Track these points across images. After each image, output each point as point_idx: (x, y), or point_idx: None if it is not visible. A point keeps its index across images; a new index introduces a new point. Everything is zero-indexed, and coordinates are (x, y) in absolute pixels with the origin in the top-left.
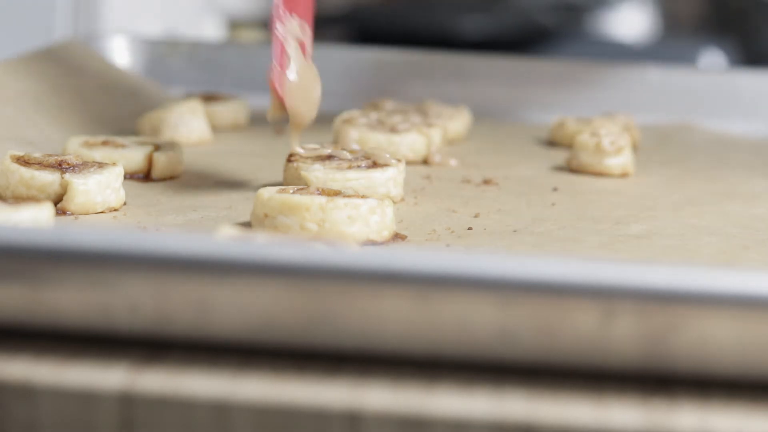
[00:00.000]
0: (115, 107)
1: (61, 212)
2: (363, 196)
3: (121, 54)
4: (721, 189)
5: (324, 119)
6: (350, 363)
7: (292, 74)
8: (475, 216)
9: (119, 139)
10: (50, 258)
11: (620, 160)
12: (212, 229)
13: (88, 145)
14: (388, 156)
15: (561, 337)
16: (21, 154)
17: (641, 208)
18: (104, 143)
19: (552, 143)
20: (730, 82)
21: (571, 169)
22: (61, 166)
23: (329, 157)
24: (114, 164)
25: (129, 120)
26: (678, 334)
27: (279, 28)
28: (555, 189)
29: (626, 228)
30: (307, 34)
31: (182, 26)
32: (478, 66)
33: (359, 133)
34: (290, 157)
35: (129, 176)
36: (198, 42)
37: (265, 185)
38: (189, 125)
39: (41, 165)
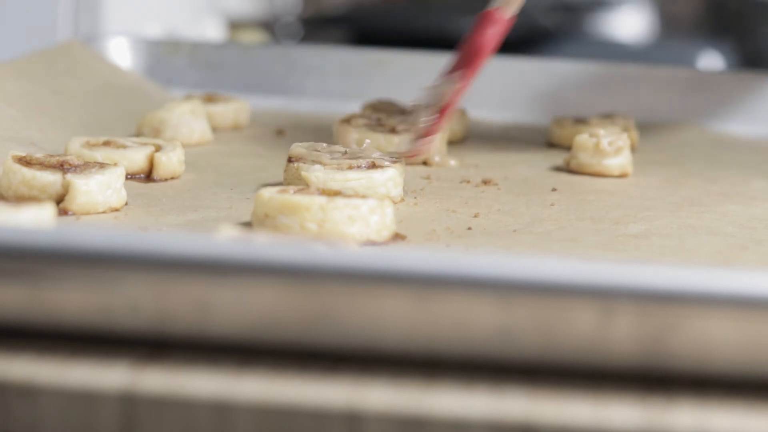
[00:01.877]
0: (116, 108)
1: (62, 212)
2: (363, 196)
3: (122, 55)
4: (719, 189)
5: (324, 120)
6: (350, 363)
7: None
8: (475, 216)
9: (120, 140)
10: (52, 258)
11: (619, 161)
12: (213, 230)
13: (90, 145)
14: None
15: (560, 337)
16: (23, 154)
17: (640, 209)
18: (105, 144)
19: (551, 144)
20: (727, 84)
21: (570, 169)
22: (62, 167)
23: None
24: (115, 165)
25: (130, 121)
26: (676, 334)
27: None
28: (554, 189)
29: (625, 228)
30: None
31: (183, 27)
32: None
33: (359, 134)
34: (290, 158)
35: (130, 176)
36: (199, 43)
37: (265, 185)
38: (190, 126)
39: (43, 165)
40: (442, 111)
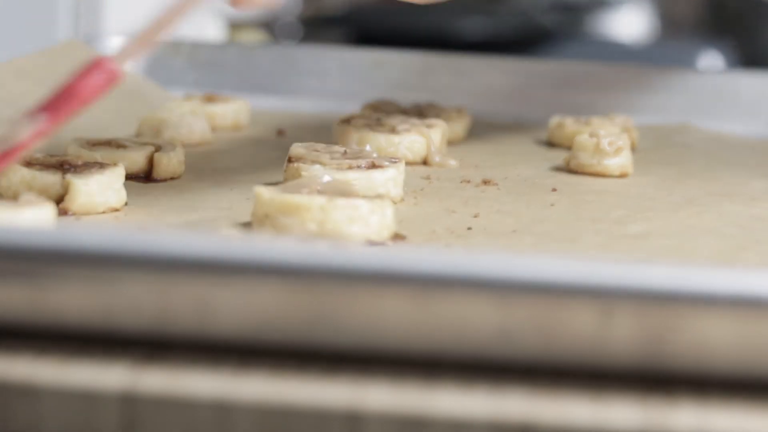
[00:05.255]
0: (116, 108)
1: (62, 212)
2: (363, 196)
3: None
4: (719, 189)
5: (324, 120)
6: (350, 363)
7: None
8: (475, 216)
9: (120, 140)
10: (52, 258)
11: (619, 161)
12: (213, 229)
13: (90, 145)
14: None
15: (560, 337)
16: None
17: (640, 209)
18: (105, 144)
19: (551, 144)
20: (728, 84)
21: (570, 169)
22: (62, 167)
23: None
24: (115, 165)
25: (130, 121)
26: (676, 334)
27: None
28: (554, 189)
29: (625, 228)
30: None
31: (182, 28)
32: (477, 67)
33: (359, 134)
34: (290, 158)
35: (130, 177)
36: (198, 43)
37: (266, 184)
38: (190, 126)
39: (43, 165)
40: (13, 150)
